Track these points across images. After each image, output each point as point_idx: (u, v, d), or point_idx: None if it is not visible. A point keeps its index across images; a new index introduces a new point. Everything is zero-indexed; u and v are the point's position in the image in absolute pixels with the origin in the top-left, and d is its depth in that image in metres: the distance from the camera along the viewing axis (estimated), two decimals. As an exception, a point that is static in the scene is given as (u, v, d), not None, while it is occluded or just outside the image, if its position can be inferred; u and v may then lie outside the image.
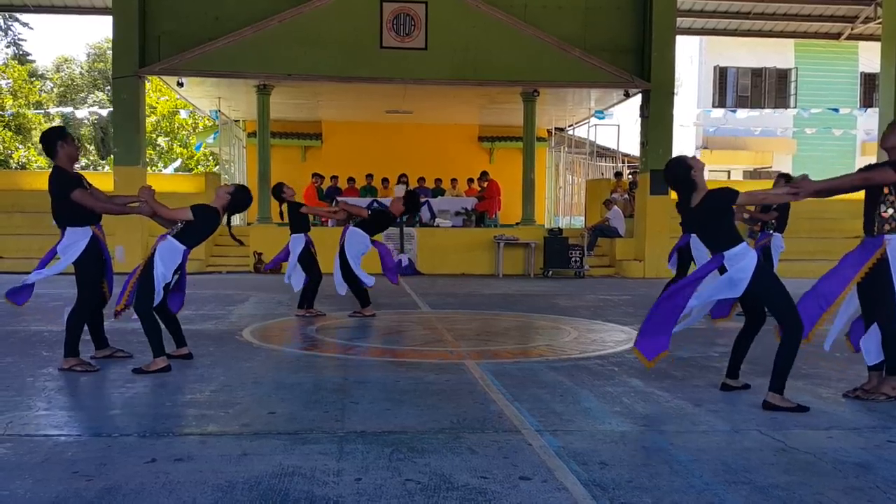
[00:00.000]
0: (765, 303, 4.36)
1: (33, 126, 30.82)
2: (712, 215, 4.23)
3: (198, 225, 5.19)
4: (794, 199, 4.49)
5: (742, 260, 4.16)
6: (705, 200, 4.22)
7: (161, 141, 31.93)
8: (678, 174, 4.30)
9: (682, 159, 4.37)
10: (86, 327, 5.23)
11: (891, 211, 4.30)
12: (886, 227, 4.31)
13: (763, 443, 3.61)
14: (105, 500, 2.75)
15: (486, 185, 17.38)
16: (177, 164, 29.20)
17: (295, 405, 4.19)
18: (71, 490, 2.84)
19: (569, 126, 20.74)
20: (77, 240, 5.02)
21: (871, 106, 23.21)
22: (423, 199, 16.41)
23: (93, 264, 5.07)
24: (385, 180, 17.94)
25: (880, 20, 16.72)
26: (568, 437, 3.63)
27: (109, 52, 24.38)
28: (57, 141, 5.02)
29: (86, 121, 34.84)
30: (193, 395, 4.41)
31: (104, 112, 25.04)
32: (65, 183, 4.97)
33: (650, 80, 14.86)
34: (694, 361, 5.60)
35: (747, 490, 2.96)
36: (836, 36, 20.94)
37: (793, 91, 24.95)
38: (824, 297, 4.39)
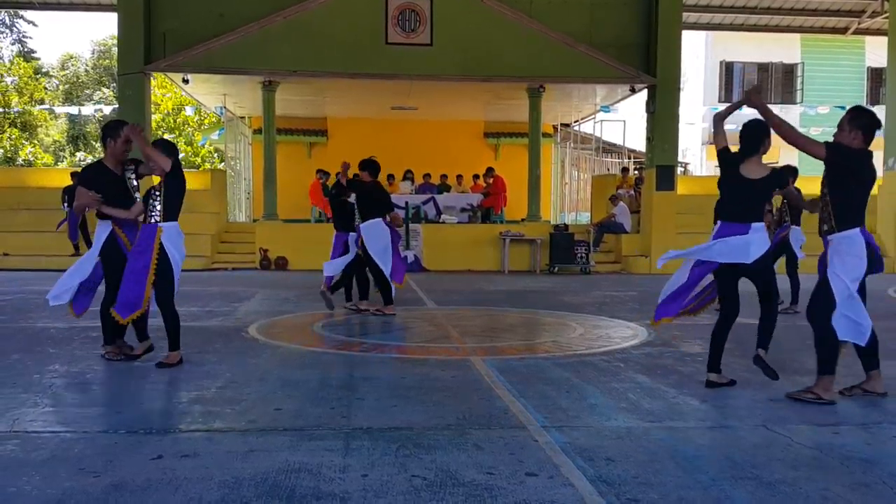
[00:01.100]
0: (761, 278, 4.53)
1: (39, 123, 30.90)
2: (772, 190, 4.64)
3: (179, 182, 5.12)
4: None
5: (763, 233, 4.48)
6: (771, 176, 4.52)
7: (166, 137, 31.97)
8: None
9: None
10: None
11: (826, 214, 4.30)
12: (825, 227, 4.31)
13: (769, 438, 3.60)
14: (112, 497, 2.76)
15: (491, 181, 17.36)
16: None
17: (301, 402, 4.20)
18: (78, 486, 2.86)
19: (574, 122, 20.69)
20: (99, 234, 5.20)
21: (878, 101, 23.09)
22: (428, 197, 16.47)
23: (112, 258, 5.14)
24: (391, 176, 17.93)
25: (887, 14, 16.65)
26: (574, 432, 3.63)
27: (115, 50, 24.41)
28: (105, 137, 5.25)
29: (91, 118, 34.93)
30: (200, 392, 4.42)
31: (108, 110, 25.06)
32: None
33: (656, 75, 14.81)
34: (701, 357, 5.58)
35: (753, 486, 2.95)
36: (843, 30, 20.82)
37: (799, 86, 24.83)
38: None
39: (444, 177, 18.11)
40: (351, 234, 8.19)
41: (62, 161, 34.59)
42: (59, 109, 32.00)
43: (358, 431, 3.61)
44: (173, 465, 3.10)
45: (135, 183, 5.40)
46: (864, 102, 24.22)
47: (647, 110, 15.37)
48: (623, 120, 19.41)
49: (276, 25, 14.15)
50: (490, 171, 17.58)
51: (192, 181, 16.81)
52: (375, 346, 6.27)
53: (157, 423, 3.77)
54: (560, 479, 2.98)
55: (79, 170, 5.36)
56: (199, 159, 31.07)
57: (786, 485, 2.96)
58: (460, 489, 2.86)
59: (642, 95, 15.65)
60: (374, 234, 7.73)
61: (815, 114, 21.84)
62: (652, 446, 3.46)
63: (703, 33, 23.35)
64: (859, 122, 4.25)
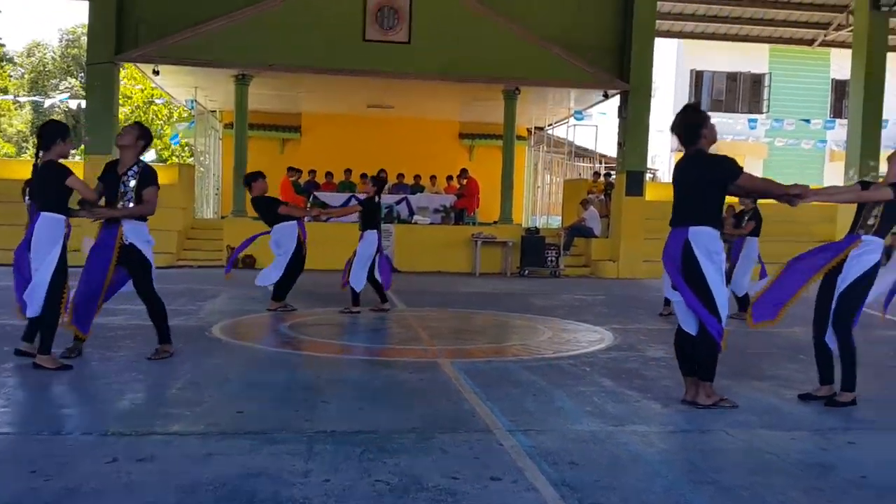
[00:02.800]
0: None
1: (2, 113, 30.18)
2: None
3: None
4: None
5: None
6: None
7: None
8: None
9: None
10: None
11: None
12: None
13: (729, 443, 3.65)
14: (64, 501, 2.69)
15: (465, 182, 17.37)
16: (151, 154, 28.79)
17: (264, 404, 4.15)
18: (28, 489, 2.78)
19: (548, 125, 20.80)
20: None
21: (841, 114, 23.63)
22: (401, 197, 16.43)
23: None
24: (364, 175, 17.85)
25: (851, 28, 17.03)
26: (539, 436, 3.64)
27: (84, 38, 23.96)
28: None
29: (57, 108, 34.24)
30: (159, 393, 4.35)
31: (74, 104, 24.58)
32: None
33: (629, 81, 14.95)
34: (664, 362, 5.64)
35: (713, 490, 2.98)
36: (810, 42, 21.24)
37: (766, 96, 25.28)
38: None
39: (417, 177, 18.09)
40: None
41: (25, 152, 33.81)
42: (24, 99, 31.29)
43: (321, 435, 3.57)
44: (129, 468, 3.03)
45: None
46: (828, 114, 24.79)
47: (620, 116, 15.51)
48: (596, 125, 19.57)
49: (252, 18, 13.97)
50: (464, 172, 17.59)
51: (159, 175, 16.65)
52: (343, 348, 6.23)
53: (113, 425, 3.68)
54: (524, 484, 2.98)
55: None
56: (168, 152, 30.64)
57: (744, 489, 3.00)
58: (424, 494, 2.84)
59: (615, 101, 15.79)
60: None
61: (780, 127, 22.23)
62: (615, 450, 3.48)
63: (674, 42, 23.66)
64: None
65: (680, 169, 4.38)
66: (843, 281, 4.37)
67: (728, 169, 4.21)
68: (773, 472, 3.22)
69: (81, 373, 4.82)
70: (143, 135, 5.20)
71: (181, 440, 3.46)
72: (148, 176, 5.09)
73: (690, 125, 4.31)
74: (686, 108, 4.45)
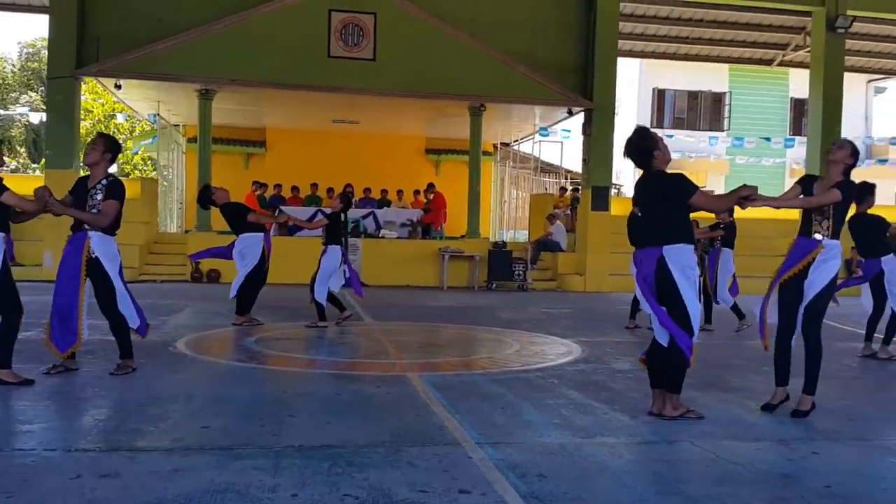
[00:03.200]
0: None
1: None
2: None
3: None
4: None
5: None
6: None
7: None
8: None
9: None
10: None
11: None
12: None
13: (695, 454, 3.69)
14: (25, 519, 2.62)
15: (432, 197, 17.42)
16: (113, 169, 28.35)
17: (230, 419, 4.09)
18: (-13, 508, 2.71)
19: (514, 141, 20.99)
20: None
21: (800, 131, 24.25)
22: (368, 211, 16.42)
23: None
24: (330, 190, 17.79)
25: (809, 49, 17.56)
26: (508, 449, 3.65)
27: (45, 52, 23.55)
28: None
29: (17, 121, 33.51)
30: (123, 409, 4.26)
31: (35, 118, 24.09)
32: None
33: (593, 99, 15.19)
34: (631, 374, 5.71)
35: (679, 500, 3.02)
36: (769, 62, 21.83)
37: (727, 114, 25.88)
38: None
39: (384, 192, 18.09)
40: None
41: (-17, 165, 32.96)
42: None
43: (289, 449, 3.53)
44: (93, 484, 2.97)
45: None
46: (787, 132, 25.43)
47: (584, 133, 15.74)
48: (561, 141, 19.81)
49: (216, 33, 13.91)
50: (431, 186, 17.65)
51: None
52: (310, 362, 6.17)
53: (77, 442, 3.60)
54: (493, 496, 2.99)
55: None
56: (130, 166, 30.16)
57: (710, 499, 3.04)
58: (392, 507, 2.83)
59: (579, 118, 16.02)
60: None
61: (741, 145, 22.74)
62: (583, 462, 3.50)
63: (637, 61, 24.12)
64: None
65: (640, 188, 4.44)
66: (812, 286, 4.48)
67: (684, 188, 4.25)
68: (739, 483, 3.26)
69: (44, 388, 4.71)
70: (109, 147, 5.14)
71: (146, 456, 3.40)
72: (112, 189, 5.03)
73: (642, 150, 4.34)
74: (635, 133, 4.45)
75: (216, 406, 4.39)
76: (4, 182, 4.77)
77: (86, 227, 4.99)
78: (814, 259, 4.48)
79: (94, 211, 4.98)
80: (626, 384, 5.36)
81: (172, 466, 3.23)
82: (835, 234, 4.52)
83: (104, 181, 5.05)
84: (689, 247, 4.28)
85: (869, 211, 6.62)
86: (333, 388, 5.02)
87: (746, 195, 4.23)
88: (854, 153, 4.55)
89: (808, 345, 4.55)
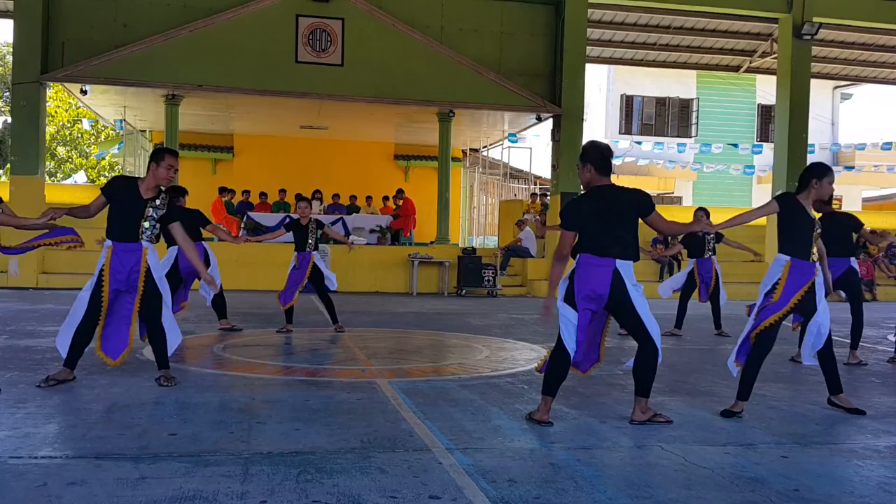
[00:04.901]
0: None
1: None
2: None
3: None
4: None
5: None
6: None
7: (60, 150, 30.40)
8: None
9: None
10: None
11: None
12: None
13: (664, 458, 3.73)
14: (-16, 532, 2.56)
15: (401, 203, 17.41)
16: (81, 176, 27.87)
17: (198, 426, 4.03)
18: (-55, 521, 2.63)
19: (483, 147, 21.08)
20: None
21: (767, 138, 24.72)
22: (337, 217, 16.32)
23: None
24: (299, 196, 17.66)
25: (776, 55, 17.93)
26: (478, 454, 3.65)
27: (9, 57, 23.05)
28: None
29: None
30: (89, 416, 4.17)
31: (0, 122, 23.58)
32: None
33: (561, 105, 15.32)
34: (600, 379, 5.75)
35: (649, 504, 3.05)
36: (736, 69, 22.23)
37: (694, 120, 26.29)
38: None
39: (353, 198, 18.03)
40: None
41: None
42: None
43: (258, 456, 3.50)
44: (59, 492, 2.91)
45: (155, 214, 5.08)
46: (755, 138, 25.91)
47: (553, 139, 15.86)
48: (530, 147, 19.96)
49: (183, 38, 13.77)
50: (400, 192, 17.63)
51: (87, 196, 16.11)
52: (279, 369, 6.11)
53: (43, 449, 3.52)
54: (463, 502, 2.98)
55: None
56: (95, 173, 29.64)
57: (679, 503, 3.07)
58: (363, 514, 2.81)
59: (548, 124, 16.14)
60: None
61: (709, 151, 23.13)
62: (553, 467, 3.51)
63: (605, 67, 24.40)
64: None
65: (595, 199, 4.26)
66: (821, 307, 4.68)
67: (644, 204, 4.25)
68: (708, 486, 3.29)
69: (10, 395, 4.60)
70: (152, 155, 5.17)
71: (112, 463, 3.33)
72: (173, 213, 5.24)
73: (606, 160, 4.31)
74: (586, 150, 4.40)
75: (184, 413, 4.33)
76: None
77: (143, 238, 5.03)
78: (814, 282, 4.67)
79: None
80: (596, 389, 5.40)
81: (140, 474, 3.18)
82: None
83: (162, 196, 5.11)
84: (632, 262, 4.28)
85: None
86: (303, 394, 4.97)
87: (698, 230, 4.57)
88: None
89: (828, 357, 4.81)
